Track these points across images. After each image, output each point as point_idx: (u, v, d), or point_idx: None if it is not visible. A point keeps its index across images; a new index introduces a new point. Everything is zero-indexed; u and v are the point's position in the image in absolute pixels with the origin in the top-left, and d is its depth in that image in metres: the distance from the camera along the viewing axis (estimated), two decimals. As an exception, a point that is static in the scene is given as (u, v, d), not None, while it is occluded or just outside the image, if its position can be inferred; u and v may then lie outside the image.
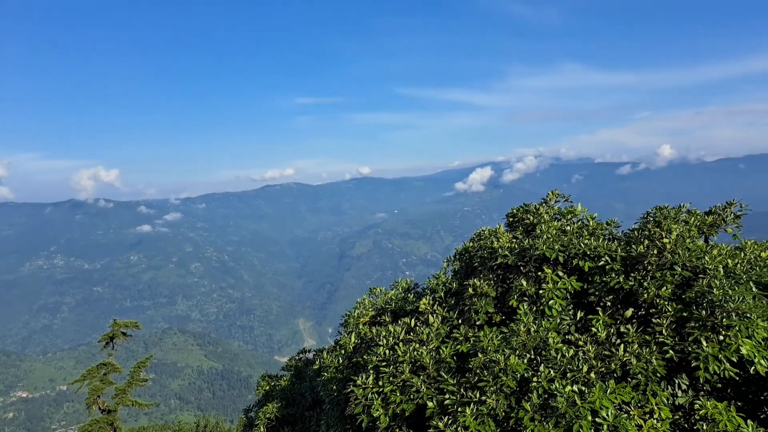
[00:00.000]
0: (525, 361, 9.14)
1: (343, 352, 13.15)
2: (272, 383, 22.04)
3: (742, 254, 10.88)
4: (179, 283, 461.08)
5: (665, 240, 9.66)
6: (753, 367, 8.49)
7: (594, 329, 9.39)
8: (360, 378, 10.55)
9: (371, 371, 10.60)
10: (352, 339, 13.10)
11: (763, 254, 11.14)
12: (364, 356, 11.40)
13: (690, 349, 8.46)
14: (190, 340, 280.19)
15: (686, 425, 8.64)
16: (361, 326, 13.31)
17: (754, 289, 9.46)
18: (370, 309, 14.20)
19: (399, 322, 11.82)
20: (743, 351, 8.34)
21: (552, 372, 8.74)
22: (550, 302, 9.87)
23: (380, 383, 10.21)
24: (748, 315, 8.59)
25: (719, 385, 9.00)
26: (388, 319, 12.80)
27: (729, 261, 9.87)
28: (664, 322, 8.96)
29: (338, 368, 12.71)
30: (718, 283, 9.03)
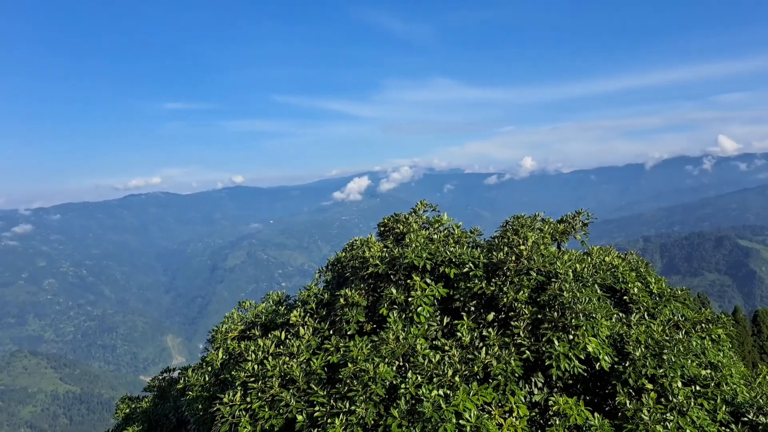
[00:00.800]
0: (394, 368, 9.28)
1: (209, 369, 12.57)
2: (133, 405, 20.59)
3: (589, 259, 11.90)
4: (30, 301, 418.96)
5: (522, 247, 10.31)
6: (598, 363, 9.25)
7: (459, 334, 9.77)
8: (227, 395, 10.13)
9: (239, 388, 10.21)
10: (220, 355, 12.57)
11: (606, 258, 12.25)
12: (232, 372, 10.97)
13: (544, 349, 9.06)
14: (43, 362, 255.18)
15: (541, 421, 9.23)
16: (229, 341, 12.82)
17: (598, 291, 10.37)
18: (239, 323, 13.74)
19: (269, 335, 11.54)
20: (590, 349, 9.08)
21: (419, 378, 8.96)
22: (419, 309, 10.14)
23: (248, 399, 9.87)
24: (594, 315, 9.37)
25: (570, 382, 9.73)
26: (257, 333, 12.45)
27: (578, 265, 10.74)
28: (522, 324, 9.54)
29: (204, 386, 12.13)
30: (567, 286, 9.77)
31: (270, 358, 10.35)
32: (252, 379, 10.10)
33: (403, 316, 10.30)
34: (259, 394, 9.80)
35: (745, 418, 9.22)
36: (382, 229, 12.38)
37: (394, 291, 10.50)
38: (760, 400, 9.53)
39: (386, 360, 9.33)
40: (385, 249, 11.42)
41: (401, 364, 9.47)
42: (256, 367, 10.27)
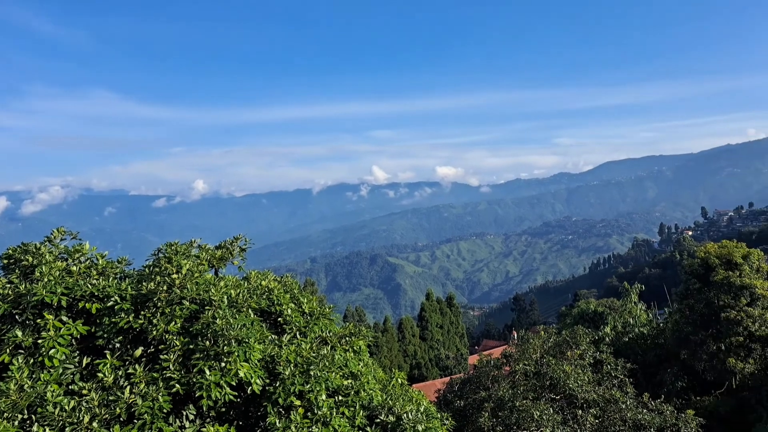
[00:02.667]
0: (16, 423, 7.98)
1: None
2: None
3: (246, 284, 12.25)
4: None
5: (174, 276, 10.05)
6: (250, 387, 9.53)
7: (101, 374, 8.95)
8: None
9: None
10: None
11: (263, 282, 12.80)
12: None
13: (195, 380, 8.93)
14: None
15: (193, 455, 9.04)
16: None
17: (252, 315, 10.74)
18: None
19: None
20: (241, 374, 9.29)
21: (48, 430, 7.89)
22: (51, 351, 8.95)
23: None
24: (247, 340, 9.65)
25: (223, 410, 9.78)
26: None
27: (233, 291, 10.96)
28: (172, 357, 9.25)
29: None
30: (221, 313, 9.87)
31: None
32: None
33: (32, 361, 8.96)
34: None
35: (378, 420, 10.58)
36: (7, 261, 10.61)
37: (19, 333, 9.06)
38: (390, 402, 11.07)
39: (5, 414, 7.97)
40: (8, 285, 9.80)
41: (26, 417, 8.20)
42: None
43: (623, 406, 19.71)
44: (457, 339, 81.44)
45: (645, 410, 20.26)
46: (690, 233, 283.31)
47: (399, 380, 13.42)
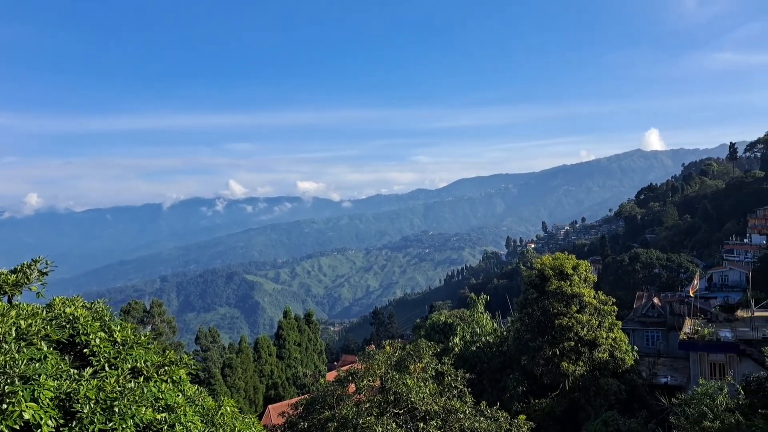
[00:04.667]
0: None
1: None
2: None
3: (45, 312, 10.95)
4: None
5: (-56, 306, 8.68)
6: (40, 430, 8.44)
7: None
8: None
9: None
10: None
11: (68, 310, 11.52)
12: None
13: (-36, 429, 7.71)
14: None
15: None
16: None
17: (45, 348, 9.57)
18: None
19: None
20: (27, 416, 8.19)
21: None
22: None
23: None
24: (35, 377, 8.55)
25: (6, 459, 8.55)
26: None
27: (23, 322, 9.71)
28: (-67, 403, 7.93)
29: None
30: (5, 348, 8.67)
31: None
32: None
33: None
34: None
35: (197, 452, 9.89)
36: None
37: None
38: (212, 432, 10.42)
39: None
40: None
41: None
42: None
43: (462, 416, 20.51)
44: (315, 356, 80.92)
45: (482, 418, 21.24)
46: (533, 246, 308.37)
47: (228, 409, 12.75)
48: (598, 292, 46.38)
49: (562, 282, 44.28)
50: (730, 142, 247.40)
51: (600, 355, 41.75)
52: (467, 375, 24.17)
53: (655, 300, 59.58)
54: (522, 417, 22.06)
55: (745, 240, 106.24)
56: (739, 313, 48.17)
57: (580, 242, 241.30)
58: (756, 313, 46.81)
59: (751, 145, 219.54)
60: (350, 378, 22.46)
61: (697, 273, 74.14)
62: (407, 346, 24.23)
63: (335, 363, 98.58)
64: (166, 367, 11.94)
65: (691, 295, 52.31)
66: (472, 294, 65.57)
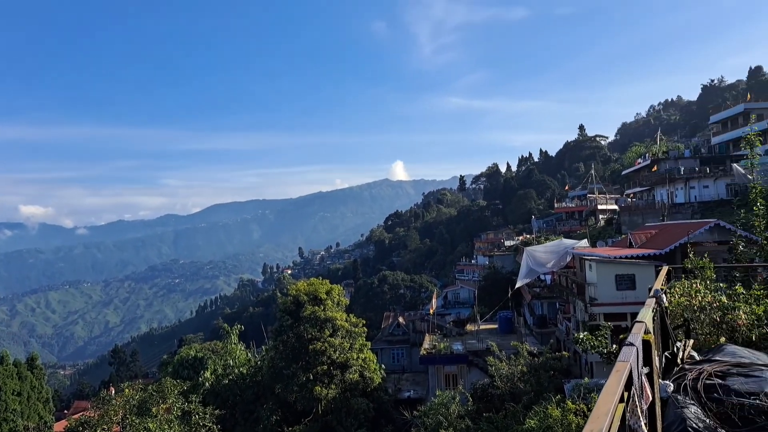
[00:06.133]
0: None
1: None
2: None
3: None
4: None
5: None
6: None
7: None
8: None
9: None
10: None
11: None
12: None
13: None
14: None
15: None
16: None
17: None
18: None
19: None
20: None
21: None
22: None
23: None
24: None
25: None
26: None
27: None
28: None
29: None
30: None
31: None
32: None
33: None
34: None
35: None
36: None
37: None
38: None
39: None
40: None
41: None
42: None
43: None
44: (41, 406, 70.42)
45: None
46: (289, 272, 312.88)
47: None
48: (350, 314, 48.85)
49: (316, 307, 45.68)
50: (460, 175, 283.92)
51: (351, 376, 43.76)
52: (217, 411, 23.35)
53: (401, 319, 64.78)
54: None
55: (473, 261, 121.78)
56: (468, 327, 54.84)
57: (334, 267, 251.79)
58: (481, 326, 53.81)
59: (476, 178, 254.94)
60: (81, 428, 20.05)
61: (435, 292, 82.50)
62: (150, 387, 22.54)
63: (65, 411, 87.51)
64: None
65: (431, 312, 57.98)
66: (225, 324, 63.93)
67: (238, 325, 60.40)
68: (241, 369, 50.35)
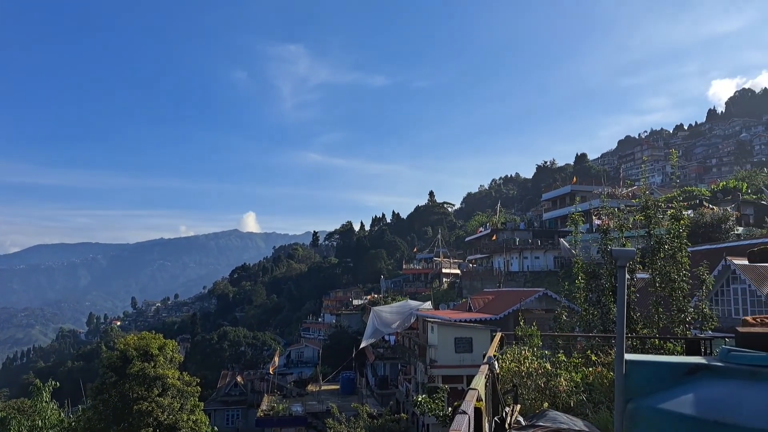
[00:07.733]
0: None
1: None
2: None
3: None
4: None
5: None
6: None
7: None
8: None
9: None
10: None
11: None
12: None
13: None
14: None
15: None
16: None
17: None
18: None
19: None
20: None
21: None
22: None
23: None
24: None
25: None
26: None
27: None
28: None
29: None
30: None
31: None
32: None
33: None
34: None
35: None
36: None
37: None
38: None
39: None
40: None
41: None
42: None
43: None
44: None
45: None
46: (119, 323, 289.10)
47: None
48: (184, 372, 45.86)
49: (146, 363, 42.42)
50: (314, 231, 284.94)
51: (179, 440, 40.77)
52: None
53: (239, 378, 62.12)
54: None
55: (320, 319, 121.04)
56: (310, 387, 53.91)
57: (170, 320, 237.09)
58: (323, 387, 53.12)
59: (330, 235, 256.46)
60: None
61: (278, 350, 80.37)
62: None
63: None
64: None
65: (271, 372, 56.20)
66: (37, 380, 57.04)
67: (53, 381, 53.91)
68: (50, 431, 44.96)
